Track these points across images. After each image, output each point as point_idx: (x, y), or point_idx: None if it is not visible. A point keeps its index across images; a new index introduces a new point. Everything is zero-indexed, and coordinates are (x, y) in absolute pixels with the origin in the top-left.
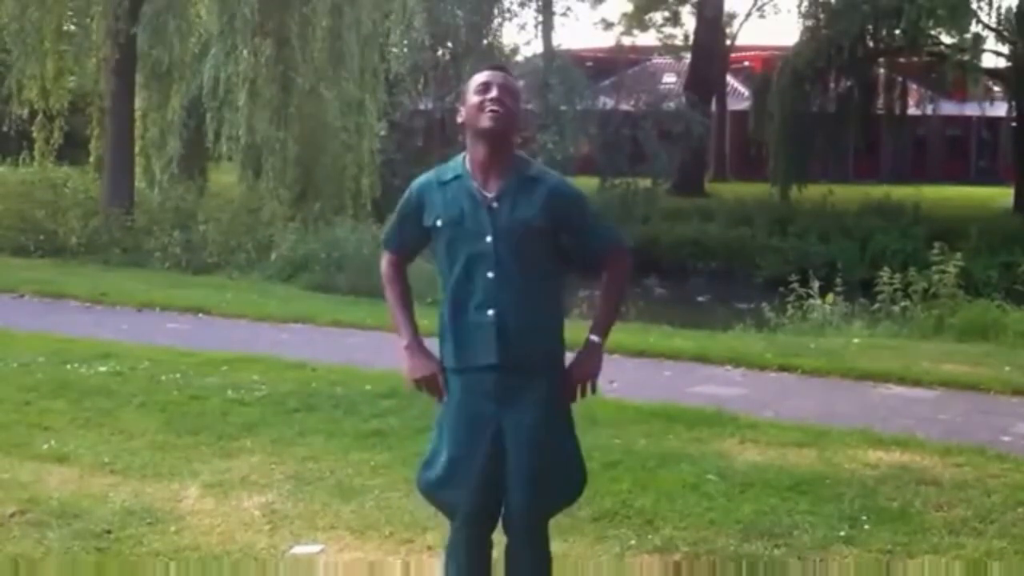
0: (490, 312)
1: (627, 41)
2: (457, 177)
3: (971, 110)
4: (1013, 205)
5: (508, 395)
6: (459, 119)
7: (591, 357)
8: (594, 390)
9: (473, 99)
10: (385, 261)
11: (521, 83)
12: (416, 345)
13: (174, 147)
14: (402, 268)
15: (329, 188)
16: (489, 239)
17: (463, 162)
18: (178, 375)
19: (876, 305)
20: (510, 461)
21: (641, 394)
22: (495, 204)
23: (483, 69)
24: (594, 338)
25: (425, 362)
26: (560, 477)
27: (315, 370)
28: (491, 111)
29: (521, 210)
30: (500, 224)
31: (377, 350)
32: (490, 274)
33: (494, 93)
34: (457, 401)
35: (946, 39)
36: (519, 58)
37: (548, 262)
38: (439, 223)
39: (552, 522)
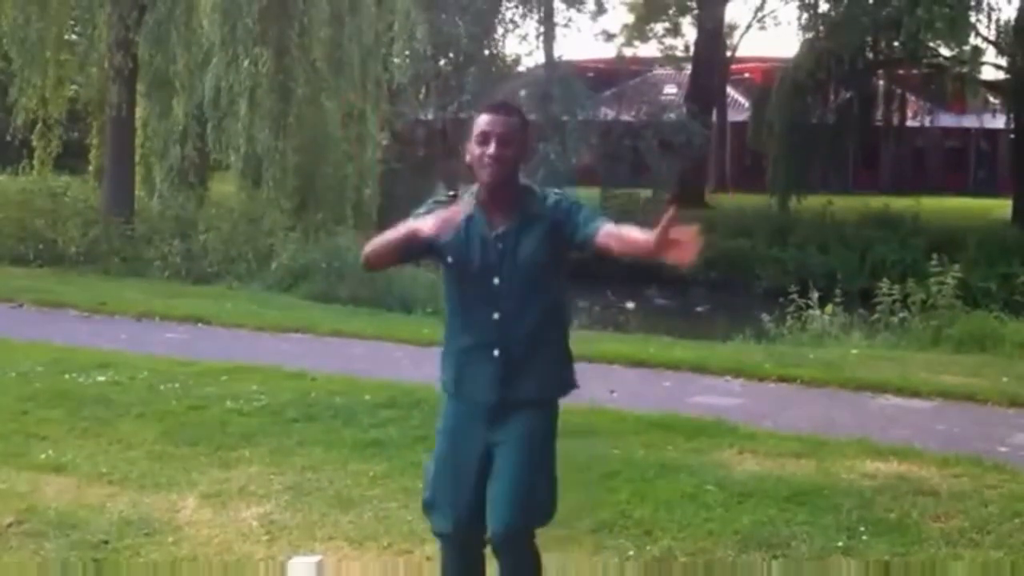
0: (495, 352)
1: (628, 52)
2: (470, 217)
3: (970, 122)
4: (1011, 216)
5: (502, 420)
6: (467, 158)
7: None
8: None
9: (474, 148)
10: None
11: (523, 93)
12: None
13: (175, 156)
14: None
15: (330, 198)
16: (496, 281)
17: (476, 196)
18: (177, 385)
19: (875, 316)
20: (496, 479)
21: (640, 404)
22: (500, 245)
23: (483, 111)
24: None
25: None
26: (542, 494)
27: (314, 380)
28: (489, 168)
29: (525, 249)
30: (506, 265)
31: (377, 360)
32: (496, 315)
33: (492, 150)
34: (450, 427)
35: (945, 51)
36: (520, 68)
37: (556, 287)
38: (450, 259)
39: (549, 532)
